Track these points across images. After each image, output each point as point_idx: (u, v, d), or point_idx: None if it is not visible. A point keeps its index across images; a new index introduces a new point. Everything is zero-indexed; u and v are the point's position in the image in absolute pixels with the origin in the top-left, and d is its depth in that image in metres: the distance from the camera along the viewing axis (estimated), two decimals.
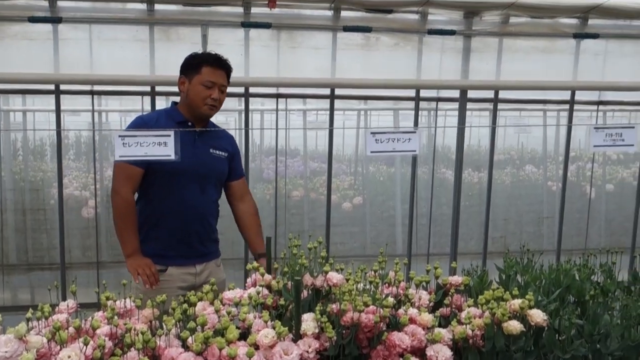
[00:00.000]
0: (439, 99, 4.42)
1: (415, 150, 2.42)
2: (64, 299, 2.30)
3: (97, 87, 3.86)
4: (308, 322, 1.97)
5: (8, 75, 3.41)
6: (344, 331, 1.95)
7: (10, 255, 5.23)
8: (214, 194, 3.02)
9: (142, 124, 2.85)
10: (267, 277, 2.39)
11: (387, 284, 2.33)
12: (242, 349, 1.85)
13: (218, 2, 3.63)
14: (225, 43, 3.72)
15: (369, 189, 6.73)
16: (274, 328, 1.92)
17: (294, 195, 6.08)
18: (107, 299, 2.17)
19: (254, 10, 3.70)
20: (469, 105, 4.01)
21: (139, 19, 3.63)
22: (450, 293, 2.33)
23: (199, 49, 3.62)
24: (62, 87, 3.62)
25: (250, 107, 3.80)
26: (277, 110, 3.97)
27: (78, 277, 2.68)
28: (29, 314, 1.98)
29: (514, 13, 3.96)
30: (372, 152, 2.40)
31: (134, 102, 4.60)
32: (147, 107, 3.74)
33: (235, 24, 3.66)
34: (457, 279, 2.47)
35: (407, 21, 3.90)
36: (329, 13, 3.83)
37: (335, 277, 2.18)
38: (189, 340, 1.87)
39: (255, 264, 2.43)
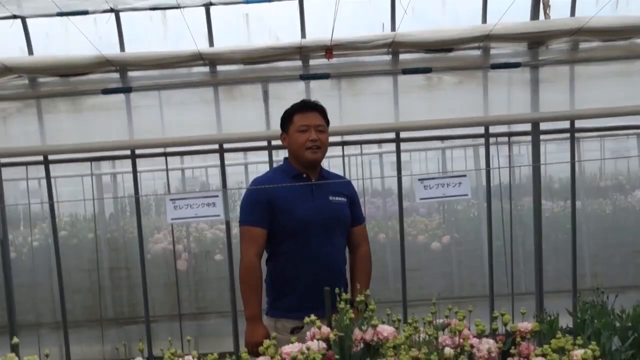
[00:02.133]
0: (510, 134, 4.26)
1: (467, 194, 2.35)
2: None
3: (169, 149, 4.03)
4: None
5: (87, 146, 3.64)
6: None
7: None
8: (341, 242, 3.00)
9: (260, 183, 2.92)
10: (325, 330, 2.36)
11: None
12: None
13: (277, 58, 3.71)
14: (286, 97, 3.77)
15: (459, 227, 6.57)
16: None
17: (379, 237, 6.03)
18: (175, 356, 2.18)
19: (312, 62, 3.76)
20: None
21: (204, 82, 3.78)
22: (516, 341, 2.21)
23: (261, 105, 3.73)
24: (137, 151, 3.81)
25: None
26: (343, 157, 3.97)
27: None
28: None
29: (583, 38, 3.79)
30: (421, 199, 2.35)
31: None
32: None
33: (294, 77, 3.73)
34: (526, 325, 2.34)
35: (468, 58, 3.82)
36: (388, 57, 3.82)
37: (385, 330, 2.12)
38: None
39: (312, 317, 2.40)
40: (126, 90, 3.69)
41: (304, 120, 2.87)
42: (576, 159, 4.06)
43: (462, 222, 6.78)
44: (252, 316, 2.87)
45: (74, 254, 5.98)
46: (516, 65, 3.75)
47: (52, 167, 4.34)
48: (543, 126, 4.08)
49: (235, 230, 6.42)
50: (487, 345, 2.17)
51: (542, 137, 3.85)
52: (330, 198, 2.93)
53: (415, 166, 6.63)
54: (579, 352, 1.93)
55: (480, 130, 4.19)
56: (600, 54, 3.84)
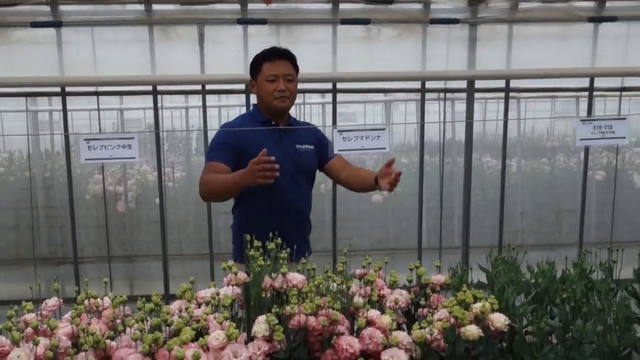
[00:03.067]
0: (446, 90, 4.29)
1: (385, 148, 2.36)
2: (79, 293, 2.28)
3: (101, 88, 3.92)
4: (260, 324, 1.95)
5: (13, 80, 3.51)
6: (292, 335, 1.92)
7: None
8: (307, 189, 3.06)
9: (228, 126, 2.97)
10: (241, 276, 2.37)
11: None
12: (189, 350, 1.84)
13: (214, 0, 3.62)
14: (223, 40, 3.73)
15: (403, 181, 6.63)
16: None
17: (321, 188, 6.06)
18: (87, 297, 2.18)
19: (250, 6, 3.69)
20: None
21: (138, 20, 3.67)
22: (425, 293, 2.27)
23: (197, 48, 3.64)
24: (67, 89, 3.70)
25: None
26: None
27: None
28: (10, 312, 2.00)
29: None
30: (339, 150, 2.36)
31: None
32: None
33: (232, 21, 3.65)
34: (439, 278, 2.39)
35: (409, 11, 3.80)
36: (328, 6, 3.77)
37: (295, 278, 2.15)
38: (139, 341, 1.88)
39: (230, 262, 2.41)
40: (56, 24, 3.55)
41: (273, 70, 2.87)
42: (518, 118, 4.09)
43: (406, 176, 6.84)
44: (237, 174, 2.75)
45: (10, 191, 5.87)
46: (455, 21, 3.76)
47: None
48: (483, 84, 4.14)
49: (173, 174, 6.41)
50: (396, 296, 2.23)
51: (485, 95, 3.89)
52: (297, 146, 2.97)
53: (360, 119, 6.65)
54: (477, 305, 2.00)
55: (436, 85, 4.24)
56: (539, 14, 3.87)
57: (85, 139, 2.23)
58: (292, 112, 3.11)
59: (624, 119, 2.45)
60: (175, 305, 2.23)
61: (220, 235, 5.17)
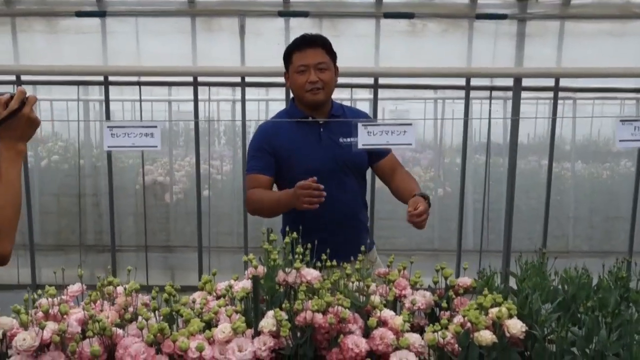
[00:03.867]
0: (492, 88, 4.15)
1: (411, 144, 2.29)
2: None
3: (144, 78, 3.98)
4: (268, 319, 1.91)
5: (58, 68, 3.59)
6: (299, 332, 1.88)
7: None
8: (355, 186, 2.82)
9: (265, 129, 2.82)
10: (261, 269, 2.34)
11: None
12: (193, 342, 1.83)
13: None
14: (264, 33, 3.70)
15: (451, 180, 6.51)
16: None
17: None
18: (108, 284, 2.18)
19: None
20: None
21: (181, 11, 3.69)
22: (449, 296, 2.19)
23: (237, 40, 3.64)
24: (111, 78, 3.77)
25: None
26: None
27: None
28: (26, 295, 2.03)
29: None
30: (363, 145, 2.29)
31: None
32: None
33: (273, 13, 3.62)
34: (464, 280, 2.31)
35: (454, 6, 3.68)
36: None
37: (310, 273, 2.10)
38: (145, 330, 1.87)
39: (251, 255, 2.38)
40: (100, 14, 3.61)
41: (302, 60, 2.66)
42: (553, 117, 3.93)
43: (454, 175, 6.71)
44: (285, 194, 2.66)
45: (60, 178, 6.06)
46: (503, 16, 3.62)
47: (39, 89, 4.32)
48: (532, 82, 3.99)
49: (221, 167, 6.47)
50: (414, 297, 2.16)
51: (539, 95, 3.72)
52: (341, 140, 2.72)
53: (412, 116, 6.55)
54: (494, 310, 1.90)
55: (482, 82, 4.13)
56: (593, 11, 3.69)
57: (108, 126, 2.24)
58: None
59: None
60: (195, 296, 2.22)
61: (261, 229, 5.16)
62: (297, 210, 2.59)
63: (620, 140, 2.31)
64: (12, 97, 1.71)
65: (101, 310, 2.05)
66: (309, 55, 2.66)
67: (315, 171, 2.56)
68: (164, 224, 5.95)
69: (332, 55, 2.74)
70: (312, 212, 2.60)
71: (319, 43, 2.70)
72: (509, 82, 3.77)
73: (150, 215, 5.71)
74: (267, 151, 2.72)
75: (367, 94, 5.38)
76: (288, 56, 2.73)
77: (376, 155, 2.81)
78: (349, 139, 2.68)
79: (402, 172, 2.86)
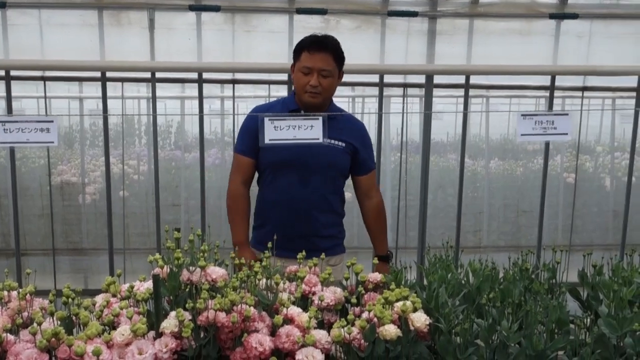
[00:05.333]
0: (405, 85, 4.21)
1: (318, 139, 2.27)
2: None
3: (48, 73, 3.81)
4: (170, 319, 1.86)
5: None
6: (203, 332, 1.83)
7: None
8: (321, 186, 2.86)
9: (258, 111, 2.85)
10: (166, 269, 2.27)
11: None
12: (90, 346, 1.75)
13: None
14: (175, 27, 3.61)
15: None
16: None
17: None
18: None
19: None
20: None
21: (87, 3, 3.55)
22: (359, 292, 2.19)
23: (147, 35, 3.54)
24: (13, 73, 3.58)
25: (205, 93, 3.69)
26: (233, 97, 3.84)
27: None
28: None
29: None
30: (270, 140, 2.26)
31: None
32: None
33: (184, 7, 3.54)
34: (375, 276, 2.33)
35: (367, 2, 3.71)
36: None
37: (215, 272, 2.05)
38: (38, 335, 1.78)
39: (157, 255, 2.31)
40: (0, 5, 3.43)
41: (309, 62, 2.72)
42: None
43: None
44: (238, 242, 2.83)
45: None
46: (413, 14, 3.67)
47: None
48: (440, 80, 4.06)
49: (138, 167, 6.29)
50: (322, 293, 2.14)
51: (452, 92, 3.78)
52: (326, 141, 2.74)
53: None
54: (399, 304, 1.91)
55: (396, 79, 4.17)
56: (500, 9, 3.79)
57: (0, 121, 2.12)
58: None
59: (567, 114, 2.38)
60: (98, 298, 2.14)
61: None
62: (265, 199, 2.88)
63: (521, 135, 2.37)
64: None
65: None
66: (316, 59, 2.72)
67: (286, 160, 2.77)
68: (76, 225, 5.73)
69: (340, 61, 2.82)
70: (272, 201, 2.84)
71: (330, 48, 2.77)
72: (422, 79, 3.82)
73: (62, 216, 5.50)
74: (254, 132, 2.68)
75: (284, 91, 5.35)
76: (297, 52, 2.79)
77: (358, 168, 2.94)
78: (334, 142, 2.82)
79: (374, 199, 3.00)
